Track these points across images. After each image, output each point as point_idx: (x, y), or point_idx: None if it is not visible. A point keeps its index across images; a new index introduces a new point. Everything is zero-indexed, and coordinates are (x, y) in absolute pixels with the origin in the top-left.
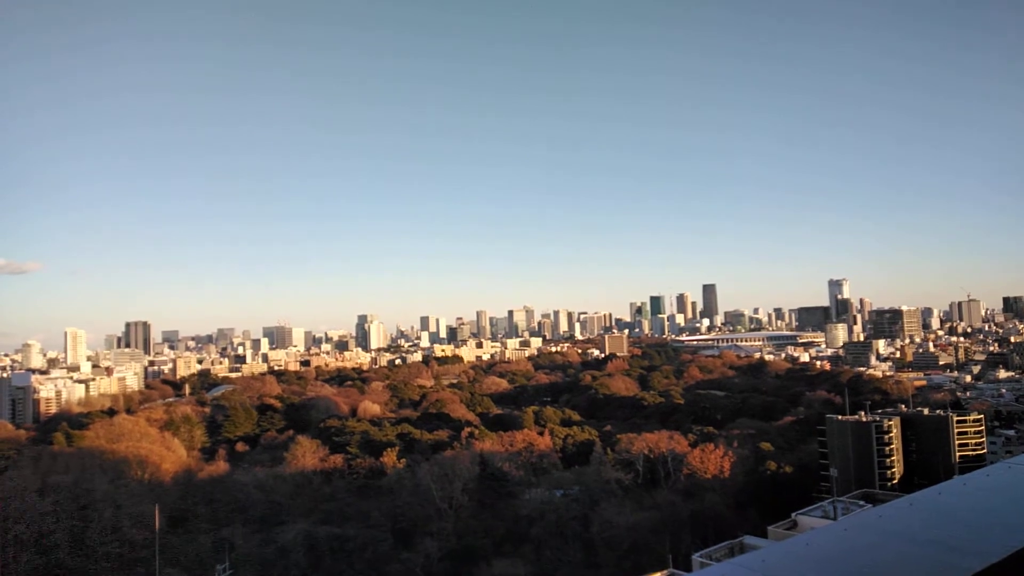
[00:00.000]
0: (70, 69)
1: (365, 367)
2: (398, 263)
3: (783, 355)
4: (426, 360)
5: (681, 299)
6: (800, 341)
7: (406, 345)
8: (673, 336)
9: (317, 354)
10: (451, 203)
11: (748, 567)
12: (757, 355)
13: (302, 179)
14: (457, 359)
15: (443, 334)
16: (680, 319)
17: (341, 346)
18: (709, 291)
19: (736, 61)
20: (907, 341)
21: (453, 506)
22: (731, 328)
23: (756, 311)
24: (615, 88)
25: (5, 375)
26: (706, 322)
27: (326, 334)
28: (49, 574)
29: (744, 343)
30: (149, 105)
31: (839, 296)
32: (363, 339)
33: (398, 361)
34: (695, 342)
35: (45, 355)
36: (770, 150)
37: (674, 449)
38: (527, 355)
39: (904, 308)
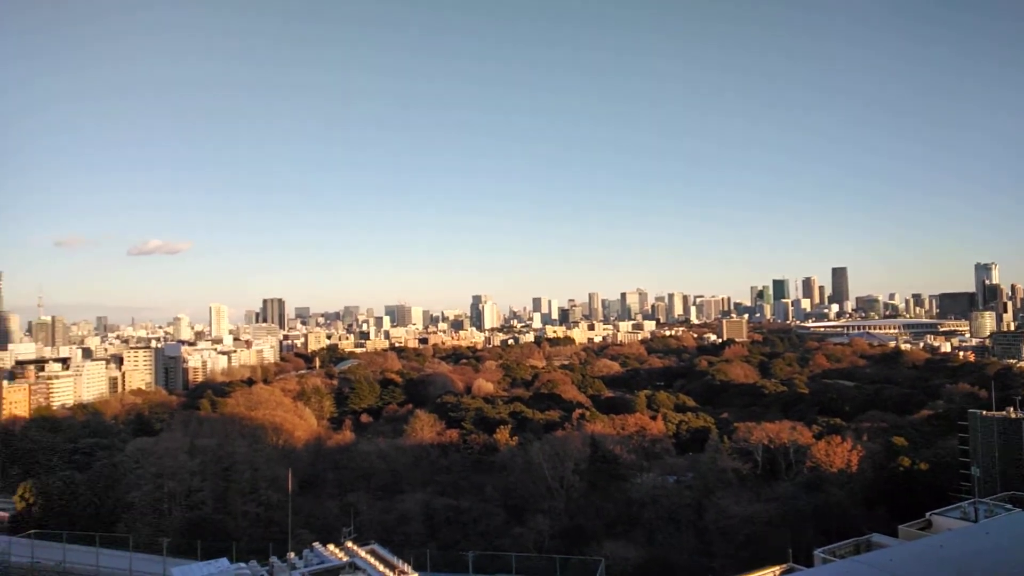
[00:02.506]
0: (230, 58)
1: (479, 346)
2: (512, 245)
3: (921, 344)
4: (538, 341)
5: (807, 283)
6: (941, 330)
7: (518, 326)
8: (798, 322)
9: (434, 332)
10: (562, 186)
11: (874, 565)
12: (892, 344)
13: (421, 171)
14: (569, 341)
15: (555, 315)
16: (806, 304)
17: (456, 325)
18: (839, 275)
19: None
20: None
21: (564, 486)
22: (863, 315)
23: (891, 297)
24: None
25: (159, 346)
26: (835, 308)
27: (442, 313)
28: (197, 527)
29: (877, 331)
30: (290, 103)
31: (987, 281)
32: (477, 319)
33: (511, 341)
34: (822, 329)
35: (193, 328)
36: (911, 123)
37: (796, 440)
38: (640, 338)
39: None
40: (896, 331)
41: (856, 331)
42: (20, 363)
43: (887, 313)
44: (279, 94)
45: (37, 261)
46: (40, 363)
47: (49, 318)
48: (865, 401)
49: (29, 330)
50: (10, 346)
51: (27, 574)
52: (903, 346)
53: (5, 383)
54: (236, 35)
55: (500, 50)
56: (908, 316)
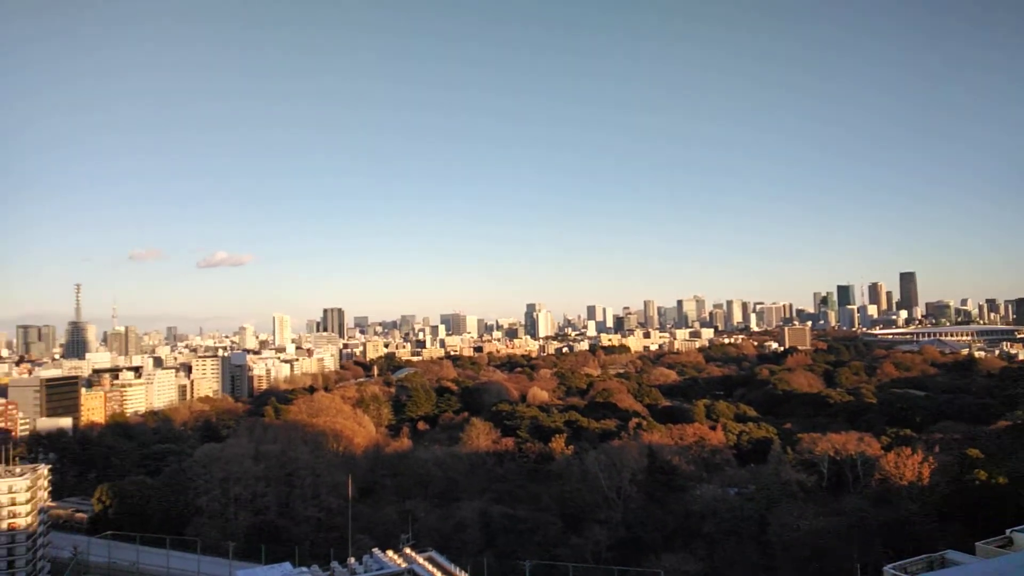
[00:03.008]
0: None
1: (533, 354)
2: (565, 253)
3: (997, 352)
4: (593, 349)
5: (874, 288)
6: (1018, 336)
7: (573, 334)
8: (864, 329)
9: (489, 341)
10: (616, 195)
11: None
12: (965, 351)
13: (475, 181)
14: (624, 349)
15: (609, 323)
16: (872, 310)
17: (511, 334)
18: (907, 280)
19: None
20: None
21: (621, 496)
22: (933, 321)
23: (964, 303)
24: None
25: (226, 354)
26: (903, 314)
27: (497, 322)
28: (261, 531)
29: (949, 338)
30: (344, 117)
31: None
32: (531, 327)
33: (565, 349)
34: (890, 336)
35: (257, 337)
36: (981, 122)
37: (864, 452)
38: (697, 346)
39: None
40: (969, 338)
41: (926, 338)
42: (97, 372)
43: (959, 320)
44: (331, 109)
45: (112, 274)
46: (115, 372)
47: (123, 328)
48: (937, 411)
49: (104, 340)
50: (87, 355)
51: (104, 573)
52: (977, 354)
53: (83, 391)
54: (285, 50)
55: (552, 61)
56: (982, 322)
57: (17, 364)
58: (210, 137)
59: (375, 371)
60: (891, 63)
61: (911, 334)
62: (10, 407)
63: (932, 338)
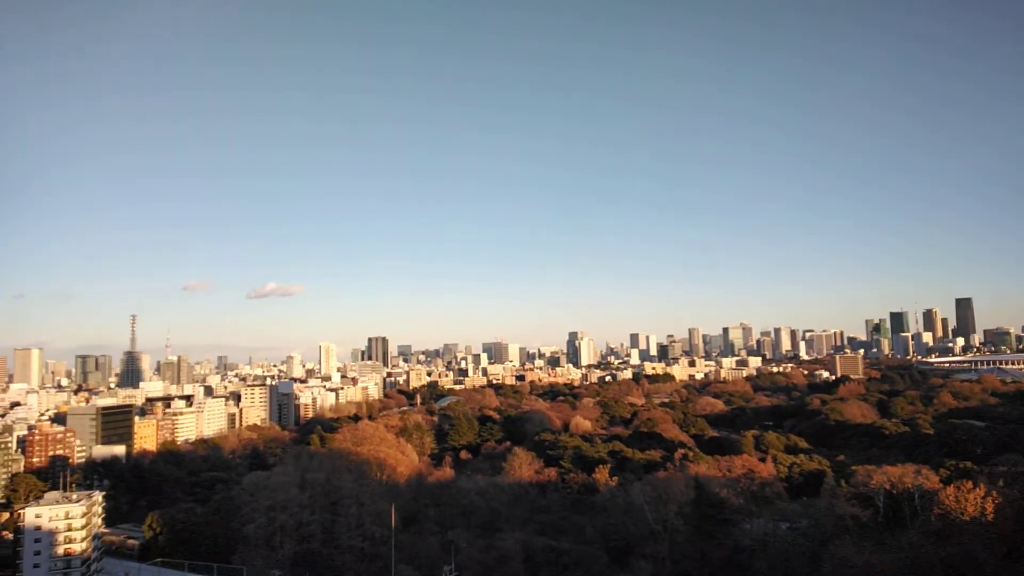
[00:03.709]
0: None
1: (576, 383)
2: (608, 280)
3: None
4: (636, 378)
5: (929, 315)
6: None
7: (616, 362)
8: (919, 357)
9: (531, 369)
10: (658, 220)
11: None
12: None
13: (516, 209)
14: (668, 377)
15: (653, 351)
16: (927, 338)
17: (553, 362)
18: (963, 306)
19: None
20: None
21: (667, 529)
22: (992, 348)
23: None
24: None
25: (273, 383)
26: (960, 341)
27: (539, 350)
28: (306, 560)
29: (1010, 366)
30: (404, 149)
31: None
32: (574, 355)
33: (608, 378)
34: (947, 364)
35: (304, 366)
36: None
37: (922, 485)
38: (745, 375)
39: None
40: None
41: (985, 366)
42: (150, 400)
43: (1021, 347)
44: (377, 146)
45: (167, 305)
46: (167, 400)
47: (175, 358)
48: (999, 443)
49: (158, 369)
50: (141, 384)
51: None
52: None
53: (137, 419)
54: (328, 94)
55: (590, 88)
56: None
57: (75, 393)
58: (262, 178)
59: (418, 399)
60: (950, 77)
61: (969, 362)
62: (68, 434)
63: (992, 366)
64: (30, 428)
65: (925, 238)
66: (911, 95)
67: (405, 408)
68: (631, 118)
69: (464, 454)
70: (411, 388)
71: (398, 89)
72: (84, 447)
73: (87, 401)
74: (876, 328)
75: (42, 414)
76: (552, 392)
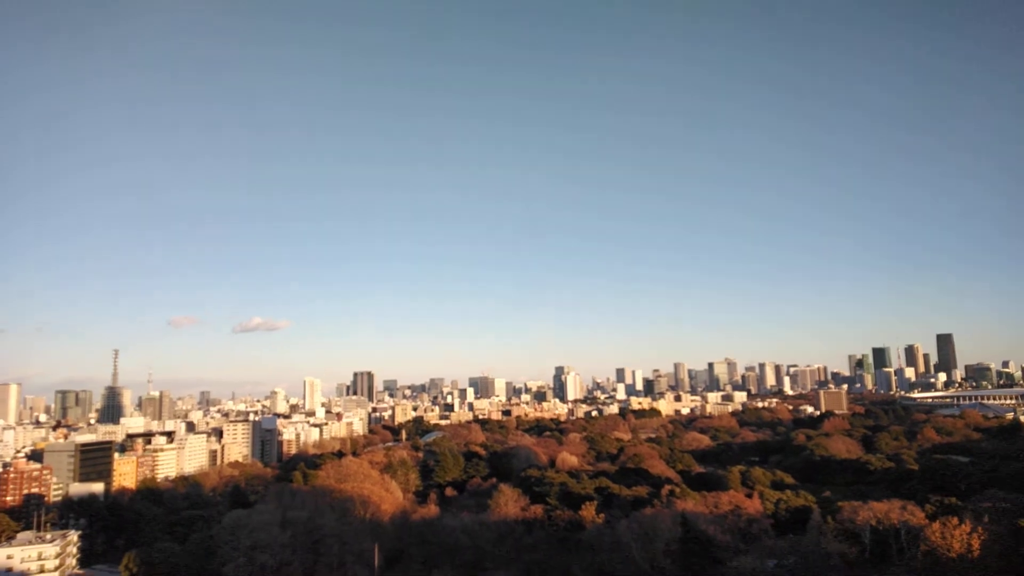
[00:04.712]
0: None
1: (562, 418)
2: (594, 315)
3: None
4: (623, 413)
5: (911, 351)
6: None
7: (602, 397)
8: (902, 392)
9: (517, 404)
10: (644, 256)
11: None
12: (1010, 416)
13: (500, 243)
14: (654, 412)
15: (639, 386)
16: (910, 373)
17: (539, 396)
18: (944, 341)
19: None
20: None
21: (655, 567)
22: (974, 384)
23: (1006, 364)
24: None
25: (257, 419)
26: (942, 377)
27: (525, 385)
28: None
29: (992, 401)
30: (391, 180)
31: None
32: (560, 390)
33: (594, 413)
34: (929, 399)
35: (288, 401)
36: (1015, 177)
37: (908, 521)
38: (730, 410)
39: None
40: (1013, 401)
41: (967, 402)
42: (130, 436)
43: (1001, 382)
44: (365, 184)
45: (151, 339)
46: (148, 436)
47: (157, 393)
48: (983, 478)
49: (139, 405)
50: (122, 420)
51: None
52: (1023, 418)
53: (116, 455)
54: (310, 118)
55: (588, 121)
56: None
57: (54, 429)
58: (250, 213)
59: (403, 435)
60: (932, 111)
61: (951, 397)
62: (45, 472)
63: (973, 401)
64: (5, 465)
65: (906, 275)
66: (892, 131)
67: (390, 444)
68: (614, 152)
69: (449, 491)
70: (396, 423)
71: (382, 128)
72: (61, 485)
73: (65, 437)
74: (859, 363)
75: (18, 451)
76: (539, 427)
